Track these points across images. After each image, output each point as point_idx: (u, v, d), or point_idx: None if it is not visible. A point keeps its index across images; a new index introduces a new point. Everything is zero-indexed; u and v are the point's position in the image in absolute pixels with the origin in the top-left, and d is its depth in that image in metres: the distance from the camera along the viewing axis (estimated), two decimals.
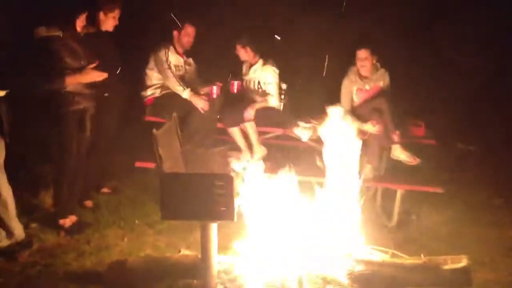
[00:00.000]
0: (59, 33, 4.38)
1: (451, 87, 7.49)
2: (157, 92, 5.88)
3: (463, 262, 3.41)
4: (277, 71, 5.99)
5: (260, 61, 5.99)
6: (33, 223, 4.71)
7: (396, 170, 5.67)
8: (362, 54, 5.52)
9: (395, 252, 3.89)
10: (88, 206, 5.17)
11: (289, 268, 3.54)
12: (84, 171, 4.88)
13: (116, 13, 5.03)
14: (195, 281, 3.73)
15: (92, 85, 4.59)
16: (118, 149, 5.84)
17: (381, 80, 5.60)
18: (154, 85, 5.88)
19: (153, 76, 5.87)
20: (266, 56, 6.04)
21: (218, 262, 3.64)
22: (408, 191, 5.49)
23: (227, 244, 4.10)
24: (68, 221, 4.68)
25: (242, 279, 3.64)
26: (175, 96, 5.79)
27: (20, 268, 3.99)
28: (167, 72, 5.77)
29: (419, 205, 5.74)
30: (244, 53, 5.99)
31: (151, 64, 5.87)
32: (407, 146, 5.53)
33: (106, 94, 4.88)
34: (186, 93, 5.72)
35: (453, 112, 7.40)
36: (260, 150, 5.75)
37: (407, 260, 3.67)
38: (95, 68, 4.54)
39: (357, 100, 5.64)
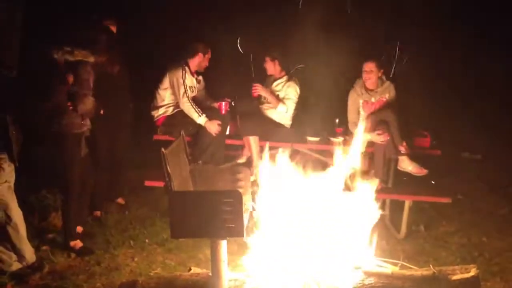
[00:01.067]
0: (91, 59, 4.45)
1: (456, 97, 7.53)
2: (169, 111, 5.84)
3: (472, 272, 3.40)
4: (299, 91, 5.96)
5: (285, 77, 5.96)
6: (44, 245, 4.75)
7: (403, 182, 5.68)
8: (368, 67, 5.56)
9: (404, 263, 3.88)
10: (97, 216, 5.22)
11: (298, 282, 3.55)
12: (90, 190, 4.96)
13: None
14: None
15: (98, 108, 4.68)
16: (127, 168, 5.90)
17: (387, 93, 5.63)
18: (167, 104, 5.85)
19: (166, 96, 5.82)
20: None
21: (228, 279, 3.66)
22: (416, 202, 5.50)
23: (237, 261, 4.12)
24: (78, 243, 4.72)
25: None
26: (185, 120, 5.74)
27: None
28: (184, 98, 5.68)
29: (428, 216, 5.76)
30: (272, 66, 5.98)
31: (165, 84, 5.80)
32: (414, 157, 5.55)
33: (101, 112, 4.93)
34: (201, 120, 5.67)
35: (458, 122, 7.43)
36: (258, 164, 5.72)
37: (417, 271, 3.66)
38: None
39: (363, 112, 5.66)
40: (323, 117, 5.92)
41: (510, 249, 5.06)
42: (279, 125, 5.93)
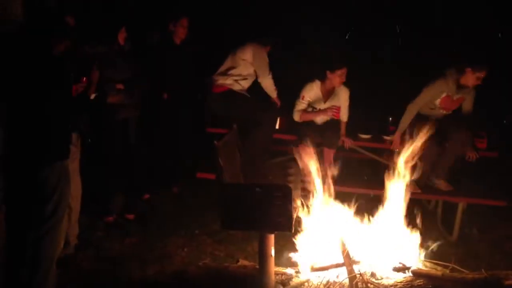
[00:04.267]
0: (105, 49, 4.63)
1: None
2: (237, 87, 5.68)
3: None
4: None
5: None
6: (99, 231, 4.92)
7: (459, 183, 5.55)
8: (483, 74, 5.25)
9: (456, 266, 3.81)
10: (129, 219, 5.27)
11: (346, 280, 3.55)
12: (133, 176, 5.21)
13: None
14: None
15: (133, 96, 4.87)
16: (181, 160, 6.02)
17: (469, 94, 5.43)
18: (238, 75, 5.66)
19: (242, 66, 5.63)
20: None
21: (275, 272, 3.69)
22: (471, 204, 5.37)
23: (285, 255, 4.14)
24: (111, 219, 5.01)
25: None
26: (242, 105, 5.69)
27: (84, 275, 4.15)
28: (270, 74, 5.65)
29: (482, 219, 5.61)
30: (343, 79, 5.56)
31: (247, 55, 5.59)
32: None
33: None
34: (275, 94, 5.76)
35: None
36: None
37: (468, 275, 3.59)
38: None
39: (438, 105, 5.47)
40: (376, 114, 5.85)
41: None
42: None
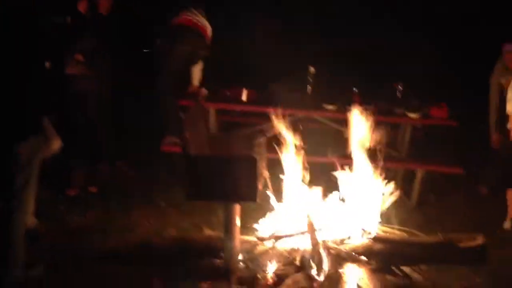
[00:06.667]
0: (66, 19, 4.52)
1: (476, 68, 7.42)
2: None
3: (479, 240, 3.45)
4: None
5: None
6: (61, 204, 4.87)
7: (416, 151, 5.70)
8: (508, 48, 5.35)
9: (413, 231, 3.95)
10: (91, 191, 5.23)
11: (308, 246, 3.63)
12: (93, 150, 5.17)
13: None
14: (218, 260, 3.85)
15: (97, 68, 4.77)
16: (143, 133, 5.99)
17: None
18: None
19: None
20: None
21: (240, 241, 3.75)
22: (429, 172, 5.52)
23: (249, 225, 4.20)
24: (73, 192, 4.98)
25: (263, 258, 3.75)
26: None
27: (47, 249, 4.08)
28: None
29: (439, 186, 5.79)
30: None
31: None
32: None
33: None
34: None
35: (475, 94, 7.35)
36: None
37: (425, 238, 3.73)
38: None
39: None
40: (341, 85, 5.91)
41: None
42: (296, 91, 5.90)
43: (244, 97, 5.78)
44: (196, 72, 5.98)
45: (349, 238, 3.71)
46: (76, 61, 4.65)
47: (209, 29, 5.81)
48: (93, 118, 5.07)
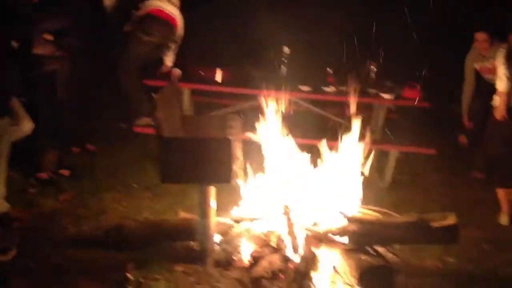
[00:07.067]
0: None
1: (448, 49, 7.48)
2: None
3: (451, 219, 3.50)
4: None
5: None
6: (32, 188, 4.78)
7: (391, 132, 5.74)
8: (481, 37, 5.50)
9: (387, 211, 3.98)
10: (64, 175, 5.12)
11: (284, 227, 3.63)
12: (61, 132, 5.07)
13: None
14: (193, 243, 3.83)
15: (63, 47, 4.65)
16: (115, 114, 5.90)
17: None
18: None
19: None
20: None
21: (215, 224, 3.73)
22: (403, 152, 5.57)
23: (224, 207, 4.19)
24: (45, 175, 4.86)
25: (238, 240, 3.74)
26: None
27: (18, 232, 4.01)
28: None
29: (413, 166, 5.86)
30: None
31: None
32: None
33: None
34: None
35: (448, 74, 7.42)
36: None
37: (398, 218, 3.76)
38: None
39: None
40: (315, 66, 5.89)
41: (489, 199, 5.19)
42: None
43: (218, 77, 5.72)
44: (169, 52, 5.90)
45: (324, 219, 3.72)
46: (44, 41, 4.52)
47: (179, 19, 5.80)
48: (62, 99, 4.95)
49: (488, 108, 5.06)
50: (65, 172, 5.07)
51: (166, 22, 5.70)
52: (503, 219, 4.83)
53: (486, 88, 5.52)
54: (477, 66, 5.75)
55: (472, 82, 5.83)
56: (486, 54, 5.56)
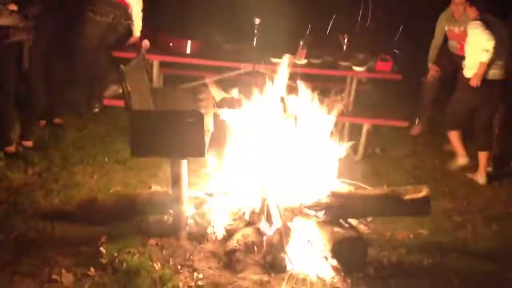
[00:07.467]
0: None
1: (419, 22, 7.50)
2: None
3: (423, 192, 3.54)
4: None
5: None
6: (0, 161, 4.66)
7: (363, 105, 5.76)
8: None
9: (360, 184, 4.01)
10: (27, 146, 5.00)
11: (257, 201, 3.63)
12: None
13: None
14: (165, 216, 3.80)
15: (29, 18, 4.52)
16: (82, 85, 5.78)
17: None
18: None
19: None
20: None
21: (188, 197, 3.71)
22: (375, 125, 5.61)
23: (197, 180, 4.16)
24: (12, 148, 4.75)
25: (211, 213, 3.73)
26: None
27: None
28: None
29: (385, 139, 5.91)
30: None
31: None
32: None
33: None
34: None
35: (420, 47, 7.46)
36: None
37: (371, 191, 3.79)
38: None
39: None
40: (287, 38, 5.83)
41: (460, 173, 5.30)
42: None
43: (188, 49, 5.62)
44: (137, 22, 5.76)
45: (298, 192, 3.72)
46: (9, 12, 4.36)
47: None
48: (28, 70, 4.81)
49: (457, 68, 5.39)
50: (28, 143, 4.95)
51: (117, 3, 5.67)
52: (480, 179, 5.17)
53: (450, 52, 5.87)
54: (447, 27, 5.87)
55: (440, 40, 6.00)
56: (459, 18, 5.66)
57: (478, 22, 4.96)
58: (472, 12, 5.09)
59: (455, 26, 5.78)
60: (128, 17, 5.78)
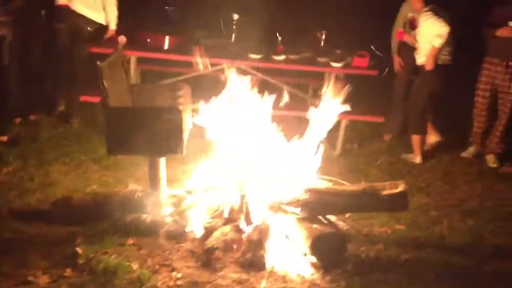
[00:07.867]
0: None
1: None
2: None
3: (400, 187, 3.57)
4: None
5: None
6: None
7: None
8: None
9: (338, 180, 4.03)
10: (1, 140, 4.97)
11: (236, 198, 3.62)
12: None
13: None
14: (143, 215, 3.77)
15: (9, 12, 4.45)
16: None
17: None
18: None
19: None
20: None
21: (166, 195, 3.68)
22: (352, 121, 5.63)
23: (176, 178, 4.13)
24: None
25: (190, 212, 3.71)
26: None
27: None
28: None
29: (362, 135, 5.94)
30: None
31: None
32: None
33: None
34: None
35: None
36: None
37: (348, 187, 3.81)
38: None
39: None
40: (265, 34, 5.82)
41: (436, 168, 5.36)
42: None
43: (166, 45, 5.57)
44: (112, 14, 5.65)
45: (277, 189, 3.72)
46: None
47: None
48: (6, 66, 4.73)
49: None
50: (3, 138, 4.88)
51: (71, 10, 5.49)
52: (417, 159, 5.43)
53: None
54: (409, 15, 5.79)
55: (400, 26, 5.86)
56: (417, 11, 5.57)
57: (429, 12, 5.14)
58: (418, 3, 5.28)
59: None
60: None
